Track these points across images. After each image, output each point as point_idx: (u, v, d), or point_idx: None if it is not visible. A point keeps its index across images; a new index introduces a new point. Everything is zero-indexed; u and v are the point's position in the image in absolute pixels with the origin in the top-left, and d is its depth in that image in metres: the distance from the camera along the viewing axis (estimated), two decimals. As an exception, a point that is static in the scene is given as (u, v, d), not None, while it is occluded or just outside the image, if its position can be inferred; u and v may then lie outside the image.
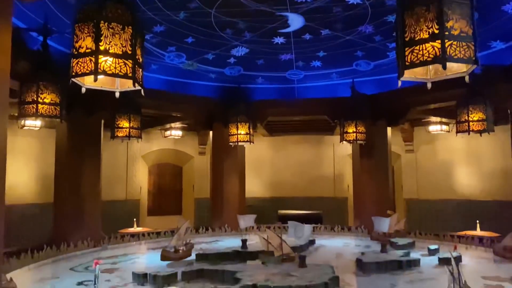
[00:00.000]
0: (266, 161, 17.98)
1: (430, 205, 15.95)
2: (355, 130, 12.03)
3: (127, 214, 15.39)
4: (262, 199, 17.27)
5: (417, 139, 16.66)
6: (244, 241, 10.15)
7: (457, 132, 10.12)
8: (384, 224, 11.16)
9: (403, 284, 7.67)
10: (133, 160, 16.94)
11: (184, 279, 7.70)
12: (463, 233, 12.15)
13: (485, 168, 14.98)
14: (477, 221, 12.97)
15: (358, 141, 12.24)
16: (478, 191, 15.10)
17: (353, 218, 14.51)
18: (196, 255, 9.48)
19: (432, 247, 10.18)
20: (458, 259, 9.17)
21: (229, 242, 11.57)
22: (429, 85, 5.08)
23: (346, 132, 12.17)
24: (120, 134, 10.94)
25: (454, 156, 15.82)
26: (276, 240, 8.91)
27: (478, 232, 12.44)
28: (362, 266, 8.55)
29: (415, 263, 8.80)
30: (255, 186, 17.10)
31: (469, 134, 9.77)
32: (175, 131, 16.62)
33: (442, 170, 15.96)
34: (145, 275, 7.62)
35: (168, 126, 16.06)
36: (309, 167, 17.72)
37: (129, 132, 10.93)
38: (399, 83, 4.95)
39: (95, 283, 4.63)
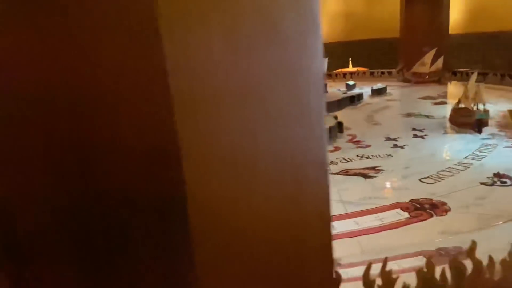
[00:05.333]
0: None
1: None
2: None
3: None
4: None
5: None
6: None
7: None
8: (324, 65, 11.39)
9: (371, 113, 8.24)
10: None
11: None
12: (344, 70, 13.60)
13: (330, 12, 16.35)
14: (350, 59, 14.52)
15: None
16: (324, 34, 16.64)
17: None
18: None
19: (350, 83, 11.06)
20: (385, 89, 10.33)
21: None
22: None
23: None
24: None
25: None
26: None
27: (351, 68, 14.06)
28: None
29: (360, 96, 9.52)
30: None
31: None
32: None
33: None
34: None
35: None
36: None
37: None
38: None
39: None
